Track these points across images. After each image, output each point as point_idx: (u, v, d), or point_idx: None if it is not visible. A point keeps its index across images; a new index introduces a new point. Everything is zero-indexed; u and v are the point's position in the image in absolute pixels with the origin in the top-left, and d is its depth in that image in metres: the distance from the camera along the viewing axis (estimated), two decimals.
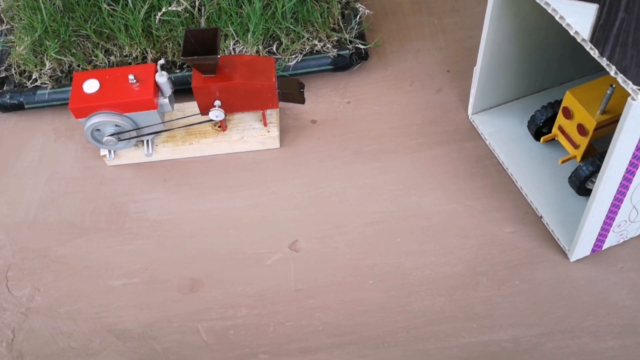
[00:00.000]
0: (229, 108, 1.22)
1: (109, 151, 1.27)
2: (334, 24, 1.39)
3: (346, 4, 1.43)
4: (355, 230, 1.17)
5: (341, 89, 1.38)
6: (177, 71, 1.36)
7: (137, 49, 1.37)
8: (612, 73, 0.82)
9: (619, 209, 1.00)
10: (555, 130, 1.15)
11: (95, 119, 1.18)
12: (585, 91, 1.07)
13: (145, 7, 1.36)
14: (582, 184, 1.11)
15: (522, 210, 1.17)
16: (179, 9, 1.36)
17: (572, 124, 1.10)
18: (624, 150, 0.88)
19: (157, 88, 1.20)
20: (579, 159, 1.12)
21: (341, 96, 1.37)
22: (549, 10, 0.90)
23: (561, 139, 1.14)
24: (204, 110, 1.22)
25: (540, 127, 1.19)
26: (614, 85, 1.00)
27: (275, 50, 1.37)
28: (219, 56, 1.12)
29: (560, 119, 1.12)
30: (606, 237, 1.07)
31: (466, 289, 1.09)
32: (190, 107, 1.30)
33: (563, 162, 1.14)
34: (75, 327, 1.10)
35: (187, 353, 1.06)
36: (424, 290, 1.10)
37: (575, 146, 1.11)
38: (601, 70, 1.29)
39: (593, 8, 0.87)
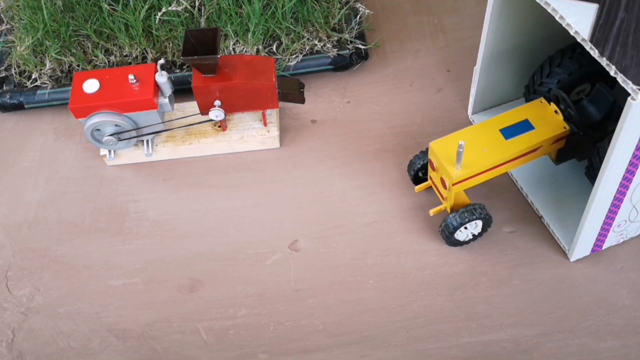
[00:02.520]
0: (229, 108, 1.22)
1: (109, 151, 1.27)
2: (334, 23, 1.39)
3: (346, 4, 1.43)
4: (355, 230, 1.17)
5: (341, 89, 1.38)
6: (177, 71, 1.36)
7: (137, 48, 1.37)
8: (612, 73, 0.82)
9: (619, 208, 1.00)
10: (429, 179, 1.13)
11: (95, 119, 1.18)
12: (448, 143, 1.04)
13: (146, 7, 1.36)
14: (451, 235, 1.09)
15: (522, 210, 1.17)
16: (179, 9, 1.36)
17: (437, 176, 1.08)
18: (624, 150, 0.88)
19: (157, 88, 1.20)
20: (449, 209, 1.10)
21: (341, 96, 1.37)
22: (549, 10, 0.89)
23: (434, 188, 1.12)
24: (204, 110, 1.22)
25: (418, 172, 1.16)
26: (462, 143, 0.98)
27: (275, 50, 1.37)
28: (219, 56, 1.12)
29: (429, 169, 1.10)
30: (606, 237, 1.07)
31: (466, 289, 1.09)
32: (190, 107, 1.30)
33: (434, 213, 1.12)
34: (75, 327, 1.10)
35: (187, 353, 1.06)
36: (424, 290, 1.10)
37: (443, 197, 1.10)
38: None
39: (593, 8, 0.87)
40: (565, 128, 1.06)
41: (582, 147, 1.11)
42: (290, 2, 1.35)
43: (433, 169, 1.08)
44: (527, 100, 1.16)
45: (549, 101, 1.09)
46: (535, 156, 1.08)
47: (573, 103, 1.11)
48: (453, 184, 1.03)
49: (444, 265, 1.12)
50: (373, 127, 1.31)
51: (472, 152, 1.04)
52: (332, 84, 1.39)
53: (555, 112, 1.07)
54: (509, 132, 1.06)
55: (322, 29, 1.38)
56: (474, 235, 1.11)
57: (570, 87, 1.14)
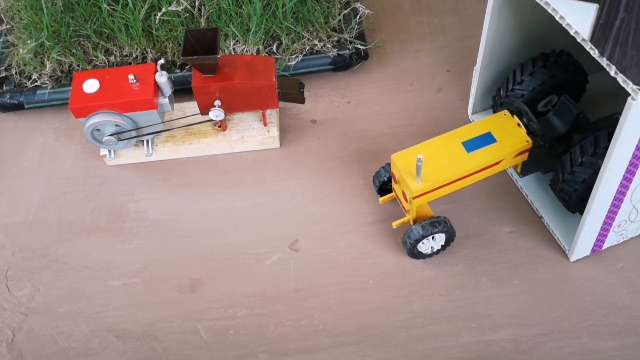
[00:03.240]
0: (229, 108, 1.22)
1: (109, 151, 1.27)
2: (334, 24, 1.39)
3: (346, 4, 1.43)
4: (355, 230, 1.17)
5: (341, 89, 1.38)
6: (177, 71, 1.36)
7: (137, 49, 1.37)
8: (612, 73, 0.82)
9: (619, 208, 1.00)
10: (393, 191, 1.12)
11: (95, 119, 1.18)
12: (410, 156, 1.03)
13: (145, 7, 1.36)
14: (413, 247, 1.07)
15: (522, 210, 1.17)
16: (179, 8, 1.36)
17: (399, 189, 1.07)
18: (624, 150, 0.88)
19: (157, 88, 1.20)
20: (411, 222, 1.09)
21: (341, 96, 1.37)
22: (549, 10, 0.89)
23: (398, 200, 1.11)
24: (204, 110, 1.22)
25: (384, 184, 1.15)
26: (421, 157, 0.97)
27: (275, 50, 1.37)
28: (219, 56, 1.12)
29: (393, 182, 1.09)
30: (606, 237, 1.07)
31: (466, 289, 1.09)
32: (190, 107, 1.30)
33: (397, 225, 1.11)
34: (75, 327, 1.10)
35: (187, 353, 1.06)
36: (424, 290, 1.10)
37: (406, 210, 1.09)
38: (601, 70, 1.29)
39: (593, 8, 0.87)
40: (527, 142, 1.04)
41: (547, 160, 1.10)
42: (290, 2, 1.35)
43: (395, 181, 1.07)
44: (495, 111, 1.15)
45: (512, 114, 1.08)
46: (498, 169, 1.06)
47: (541, 115, 1.11)
48: (414, 197, 1.02)
49: (443, 265, 1.12)
50: (373, 127, 1.31)
51: (433, 165, 1.02)
52: (332, 84, 1.39)
53: (518, 125, 1.06)
54: (471, 145, 1.05)
55: (322, 29, 1.38)
56: (437, 248, 1.10)
57: (537, 99, 1.14)
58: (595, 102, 1.26)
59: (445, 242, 1.10)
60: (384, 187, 1.16)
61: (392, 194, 1.12)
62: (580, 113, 1.08)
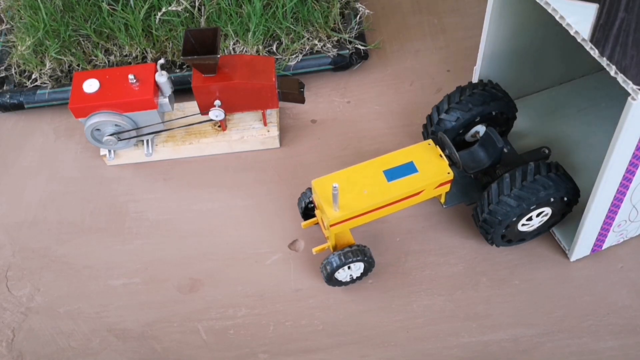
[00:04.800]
0: (229, 108, 1.22)
1: (109, 151, 1.27)
2: (334, 23, 1.39)
3: (346, 4, 1.43)
4: (355, 230, 1.17)
5: (341, 89, 1.38)
6: (177, 71, 1.36)
7: (137, 48, 1.37)
8: (612, 73, 0.82)
9: (619, 208, 1.00)
10: (316, 215, 1.09)
11: (95, 119, 1.18)
12: (329, 183, 1.00)
13: (145, 6, 1.36)
14: (331, 274, 1.05)
15: None
16: (179, 8, 1.36)
17: (320, 215, 1.05)
18: (624, 150, 0.88)
19: (157, 88, 1.20)
20: (332, 248, 1.07)
21: (341, 96, 1.37)
22: (549, 10, 0.89)
23: (320, 225, 1.08)
24: (204, 110, 1.22)
25: (307, 208, 1.12)
26: (336, 185, 0.95)
27: (275, 50, 1.37)
28: (218, 56, 1.12)
29: (315, 207, 1.08)
30: (606, 237, 1.07)
31: (466, 289, 1.09)
32: (190, 107, 1.30)
33: (317, 252, 1.08)
34: (75, 327, 1.10)
35: (187, 353, 1.06)
36: (424, 290, 1.10)
37: (326, 236, 1.07)
38: (601, 70, 1.29)
39: (593, 8, 0.87)
40: (448, 174, 1.03)
41: (471, 191, 1.10)
42: (290, 2, 1.35)
43: (316, 207, 1.06)
44: (425, 138, 1.14)
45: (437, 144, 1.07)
46: (418, 199, 1.05)
47: (469, 145, 1.10)
48: (331, 225, 1.00)
49: (444, 265, 1.12)
50: (373, 126, 1.31)
51: (352, 193, 1.01)
52: (332, 84, 1.39)
53: (441, 156, 1.05)
54: (392, 174, 1.03)
55: (322, 29, 1.38)
56: (355, 276, 1.08)
57: (463, 129, 1.13)
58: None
59: (363, 271, 1.08)
60: (308, 211, 1.13)
61: (316, 218, 1.10)
62: (504, 146, 1.08)
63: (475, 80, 1.20)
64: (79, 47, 1.39)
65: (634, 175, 0.93)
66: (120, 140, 1.23)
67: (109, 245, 1.19)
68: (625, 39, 0.84)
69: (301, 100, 1.24)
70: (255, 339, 1.07)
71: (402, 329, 1.06)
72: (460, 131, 1.13)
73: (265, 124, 1.28)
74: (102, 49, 1.38)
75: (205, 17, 1.37)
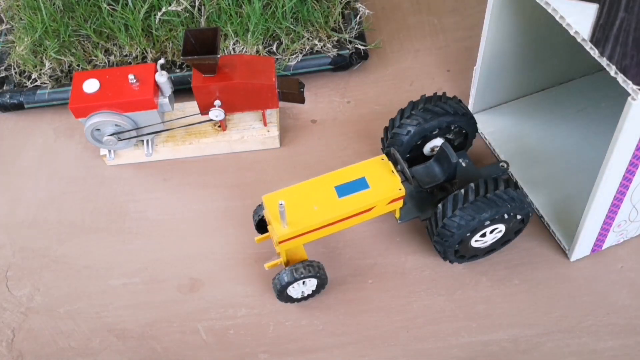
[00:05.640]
0: (229, 108, 1.22)
1: (109, 151, 1.27)
2: (334, 23, 1.39)
3: (346, 4, 1.43)
4: (355, 230, 1.17)
5: (341, 89, 1.38)
6: (177, 71, 1.36)
7: (137, 48, 1.37)
8: (612, 73, 0.82)
9: (618, 208, 1.00)
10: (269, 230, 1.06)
11: (95, 119, 1.18)
12: (280, 199, 0.99)
13: (145, 6, 1.36)
14: (283, 290, 1.03)
15: None
16: (179, 8, 1.36)
17: (271, 230, 1.02)
18: (624, 150, 0.88)
19: (157, 88, 1.20)
20: (284, 264, 1.05)
21: (341, 96, 1.37)
22: (549, 10, 0.90)
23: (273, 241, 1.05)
24: (204, 110, 1.22)
25: (261, 221, 1.10)
26: (283, 202, 0.94)
27: (275, 50, 1.37)
28: (218, 56, 1.12)
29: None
30: (606, 237, 1.07)
31: (466, 289, 1.09)
32: (190, 107, 1.30)
33: (269, 267, 1.06)
34: (75, 327, 1.10)
35: (187, 353, 1.06)
36: (424, 290, 1.10)
37: (277, 252, 1.05)
38: (601, 70, 1.29)
39: (593, 8, 0.87)
40: (400, 190, 1.01)
41: (426, 206, 1.08)
42: (290, 2, 1.35)
43: (267, 222, 1.04)
44: (384, 151, 1.12)
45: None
46: (370, 215, 1.03)
47: (427, 159, 1.09)
48: (279, 242, 0.99)
49: (443, 265, 1.12)
50: (373, 126, 1.31)
51: (302, 210, 0.99)
52: (332, 84, 1.39)
53: (393, 172, 1.03)
54: (344, 189, 1.01)
55: (322, 29, 1.38)
56: (307, 293, 1.07)
57: (419, 143, 1.11)
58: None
59: (316, 288, 1.07)
60: (264, 224, 1.10)
61: (269, 233, 1.07)
62: (462, 161, 1.08)
63: (475, 80, 1.20)
64: (79, 47, 1.39)
65: (634, 175, 0.93)
66: (120, 140, 1.23)
67: (109, 245, 1.19)
68: (625, 39, 0.84)
69: (301, 100, 1.24)
70: (255, 339, 1.07)
71: (402, 329, 1.06)
72: (419, 142, 1.11)
73: (265, 124, 1.28)
74: (102, 49, 1.38)
75: (205, 17, 1.37)
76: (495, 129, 1.25)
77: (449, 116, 1.09)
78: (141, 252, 1.17)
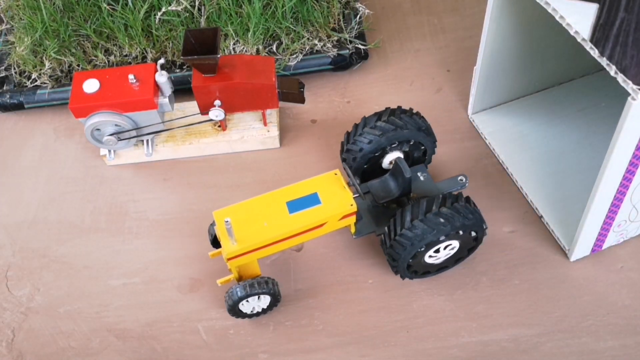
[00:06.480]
0: (229, 107, 1.22)
1: (109, 151, 1.27)
2: (334, 23, 1.39)
3: (346, 4, 1.43)
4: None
5: (341, 89, 1.38)
6: (177, 71, 1.36)
7: (137, 48, 1.37)
8: (612, 73, 0.82)
9: (618, 208, 1.00)
10: None
11: (95, 119, 1.18)
12: (231, 214, 0.98)
13: (145, 6, 1.36)
14: (234, 305, 1.02)
15: (522, 210, 1.17)
16: (179, 8, 1.36)
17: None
18: (624, 150, 0.88)
19: (157, 87, 1.20)
20: (236, 279, 1.04)
21: (341, 96, 1.37)
22: (549, 10, 0.90)
23: None
24: (204, 110, 1.22)
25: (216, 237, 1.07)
26: (229, 219, 0.93)
27: (275, 50, 1.37)
28: (218, 56, 1.12)
29: None
30: (606, 237, 1.07)
31: (466, 289, 1.09)
32: (190, 107, 1.30)
33: (222, 283, 1.04)
34: (75, 326, 1.10)
35: (187, 353, 1.06)
36: (424, 290, 1.10)
37: (228, 268, 1.02)
38: (601, 70, 1.29)
39: (593, 8, 0.87)
40: (351, 206, 0.99)
41: (382, 221, 1.06)
42: (290, 2, 1.35)
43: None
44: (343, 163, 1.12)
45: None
46: (322, 231, 1.01)
47: (384, 172, 1.09)
48: (228, 259, 0.97)
49: None
50: None
51: (252, 226, 0.97)
52: (332, 83, 1.39)
53: (345, 187, 1.01)
54: (295, 205, 0.99)
55: (322, 29, 1.38)
56: (259, 309, 1.06)
57: (378, 155, 1.10)
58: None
59: (269, 304, 1.06)
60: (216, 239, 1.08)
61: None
62: (421, 175, 1.07)
63: (475, 80, 1.20)
64: (78, 47, 1.39)
65: (634, 175, 0.93)
66: (120, 140, 1.23)
67: (109, 245, 1.19)
68: (625, 39, 0.84)
69: (301, 100, 1.24)
70: (255, 339, 1.07)
71: (402, 329, 1.06)
72: (377, 154, 1.10)
73: (265, 124, 1.28)
74: (102, 49, 1.38)
75: (205, 17, 1.37)
76: (495, 129, 1.25)
77: (408, 131, 1.08)
78: (141, 252, 1.17)
